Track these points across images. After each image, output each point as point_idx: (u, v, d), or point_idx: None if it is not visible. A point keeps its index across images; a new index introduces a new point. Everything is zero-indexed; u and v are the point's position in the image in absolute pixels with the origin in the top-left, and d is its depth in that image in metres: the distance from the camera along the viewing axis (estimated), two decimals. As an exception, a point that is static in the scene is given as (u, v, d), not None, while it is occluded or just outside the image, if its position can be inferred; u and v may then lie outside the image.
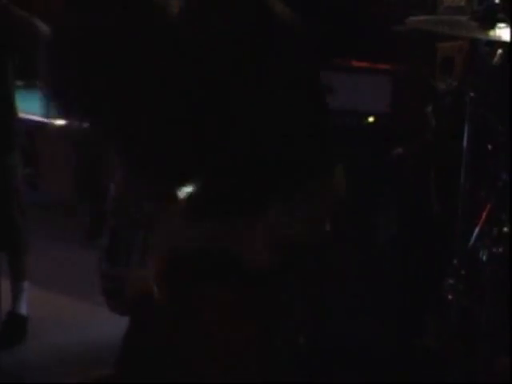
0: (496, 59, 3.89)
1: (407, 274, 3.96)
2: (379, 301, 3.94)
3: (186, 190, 2.01)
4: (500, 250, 3.38)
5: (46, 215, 5.03)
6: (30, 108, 5.27)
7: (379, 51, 4.37)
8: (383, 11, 4.94)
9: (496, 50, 3.80)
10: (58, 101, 2.03)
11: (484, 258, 3.44)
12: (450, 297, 3.56)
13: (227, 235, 2.03)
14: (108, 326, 3.46)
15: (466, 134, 3.56)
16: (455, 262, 3.58)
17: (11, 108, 4.53)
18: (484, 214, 3.52)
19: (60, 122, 4.26)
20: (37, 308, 4.59)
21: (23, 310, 4.59)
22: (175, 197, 2.05)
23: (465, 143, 3.54)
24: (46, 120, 5.39)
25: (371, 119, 3.96)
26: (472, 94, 3.57)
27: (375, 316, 3.93)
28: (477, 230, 3.52)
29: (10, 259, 4.61)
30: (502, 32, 3.48)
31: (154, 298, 2.21)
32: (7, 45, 4.40)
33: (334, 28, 3.20)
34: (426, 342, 3.95)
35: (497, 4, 3.47)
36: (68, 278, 4.71)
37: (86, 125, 1.96)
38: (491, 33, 3.48)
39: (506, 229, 3.36)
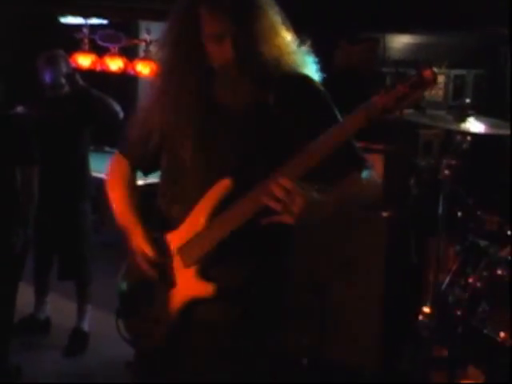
0: (465, 145, 3.91)
1: (392, 312, 3.95)
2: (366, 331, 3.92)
3: None
4: (466, 295, 3.37)
5: (107, 252, 5.05)
6: (98, 167, 5.32)
7: (375, 134, 4.41)
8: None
9: (466, 138, 3.82)
10: None
11: (451, 301, 3.42)
12: (423, 332, 3.54)
13: None
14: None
15: (440, 203, 3.55)
16: (428, 304, 3.57)
17: (86, 167, 4.59)
18: (454, 267, 3.51)
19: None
20: (96, 326, 4.61)
21: (85, 327, 4.60)
22: None
23: (440, 210, 3.54)
24: (109, 177, 5.42)
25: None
26: (446, 172, 3.58)
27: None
28: (447, 279, 3.51)
29: (78, 286, 4.63)
30: (471, 124, 3.50)
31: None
32: (87, 119, 4.47)
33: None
34: (403, 367, 3.93)
35: (468, 103, 3.50)
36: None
37: None
38: (463, 124, 3.50)
39: (470, 280, 3.35)
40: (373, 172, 2.11)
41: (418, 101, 1.84)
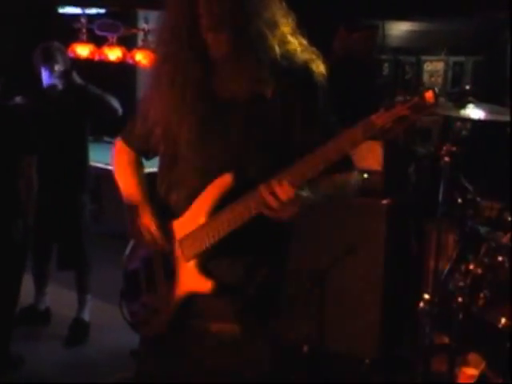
0: (465, 132, 3.89)
1: (392, 297, 3.94)
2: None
3: None
4: (466, 282, 3.35)
5: (107, 242, 5.06)
6: (98, 157, 5.31)
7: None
8: (378, 90, 4.98)
9: (466, 125, 3.80)
10: None
11: (452, 289, 3.40)
12: (424, 319, 3.53)
13: None
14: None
15: (440, 190, 3.53)
16: (428, 291, 3.56)
17: (85, 158, 4.57)
18: (454, 254, 3.50)
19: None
20: (97, 315, 4.60)
21: (86, 317, 4.60)
22: None
23: (439, 196, 3.52)
24: (109, 167, 5.41)
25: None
26: (446, 158, 3.55)
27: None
28: (448, 266, 3.49)
29: (77, 276, 4.62)
30: (470, 111, 3.47)
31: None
32: (86, 114, 4.45)
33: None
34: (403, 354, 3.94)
35: (468, 89, 3.47)
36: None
37: None
38: (462, 111, 3.47)
39: (470, 267, 3.33)
40: (355, 171, 2.16)
41: (415, 122, 1.83)
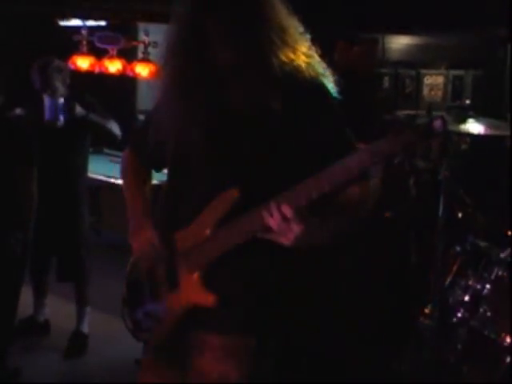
0: (465, 146, 3.90)
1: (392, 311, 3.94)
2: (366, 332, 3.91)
3: None
4: (466, 297, 3.35)
5: (107, 254, 5.05)
6: (97, 169, 5.32)
7: (374, 134, 4.39)
8: (378, 103, 4.99)
9: (465, 139, 3.81)
10: None
11: (452, 302, 3.41)
12: (424, 333, 3.53)
13: None
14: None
15: (440, 204, 3.54)
16: (430, 306, 3.55)
17: (85, 170, 4.57)
18: (454, 268, 3.50)
19: (120, 181, 4.24)
20: (96, 327, 4.58)
21: (85, 329, 4.58)
22: None
23: (440, 211, 3.53)
24: (108, 179, 5.43)
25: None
26: (446, 173, 3.56)
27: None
28: (448, 280, 3.49)
29: (76, 288, 4.61)
30: (470, 125, 3.49)
31: None
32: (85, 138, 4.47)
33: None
34: (404, 368, 3.93)
35: (467, 104, 3.49)
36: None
37: None
38: (462, 126, 3.48)
39: (470, 281, 3.34)
40: (372, 179, 2.13)
41: (424, 149, 1.83)
